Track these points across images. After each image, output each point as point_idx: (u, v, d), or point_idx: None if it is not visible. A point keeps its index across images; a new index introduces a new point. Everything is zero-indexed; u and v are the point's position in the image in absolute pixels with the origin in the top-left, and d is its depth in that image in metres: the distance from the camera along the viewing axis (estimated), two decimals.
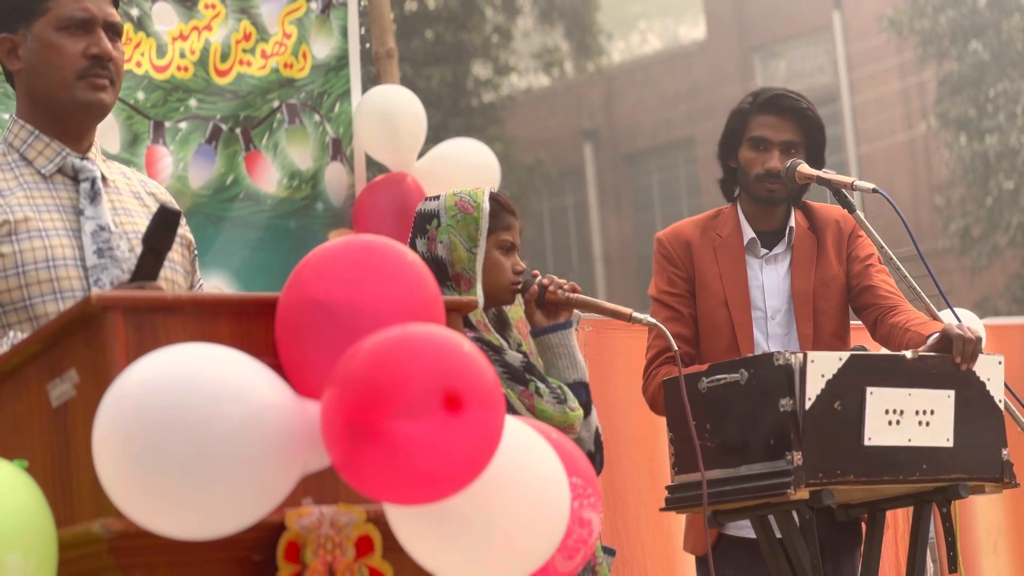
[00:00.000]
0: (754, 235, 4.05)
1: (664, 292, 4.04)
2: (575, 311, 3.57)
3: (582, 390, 3.52)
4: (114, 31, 2.90)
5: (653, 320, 3.52)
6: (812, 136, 4.01)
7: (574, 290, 3.51)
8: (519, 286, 3.49)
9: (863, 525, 3.92)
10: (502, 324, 3.54)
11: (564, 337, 3.51)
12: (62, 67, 2.85)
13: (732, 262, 4.03)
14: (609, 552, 3.59)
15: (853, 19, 22.99)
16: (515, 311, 3.58)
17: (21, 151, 2.88)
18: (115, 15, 2.91)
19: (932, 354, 3.51)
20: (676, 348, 3.43)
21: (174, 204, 3.02)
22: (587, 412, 3.51)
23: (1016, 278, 18.85)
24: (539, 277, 3.51)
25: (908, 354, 3.47)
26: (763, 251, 4.06)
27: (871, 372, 3.38)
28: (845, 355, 3.36)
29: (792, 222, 4.08)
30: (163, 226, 2.53)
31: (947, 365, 3.50)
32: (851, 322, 4.11)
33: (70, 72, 2.85)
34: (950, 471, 3.47)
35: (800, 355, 3.32)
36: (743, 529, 3.87)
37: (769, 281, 4.04)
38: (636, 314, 3.51)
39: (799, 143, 4.00)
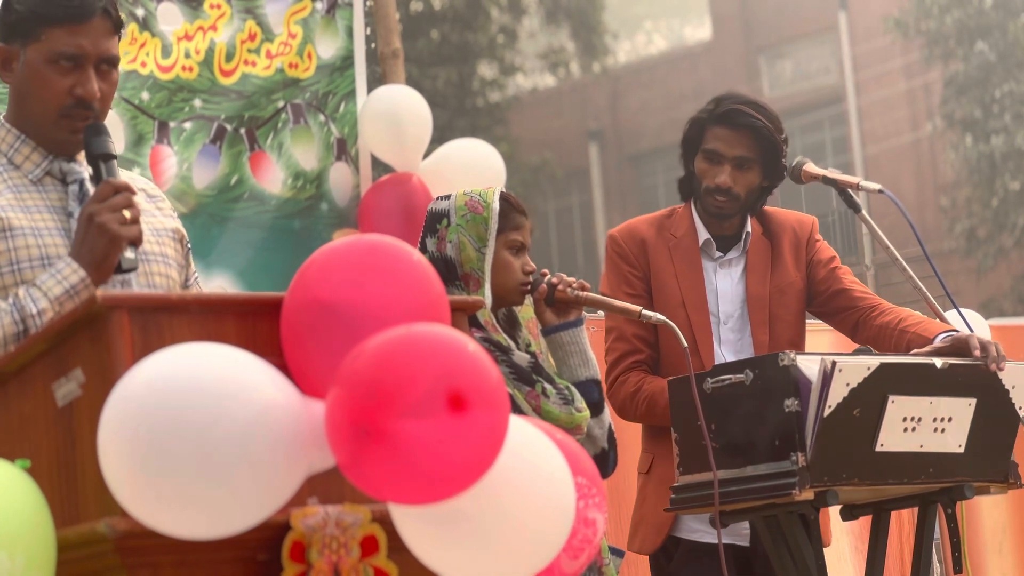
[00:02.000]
0: (709, 236, 4.00)
1: (623, 292, 3.95)
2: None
3: (594, 387, 3.51)
4: (109, 63, 2.85)
5: (662, 317, 3.49)
6: (767, 152, 3.94)
7: (583, 288, 3.50)
8: (529, 286, 3.48)
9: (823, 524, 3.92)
10: (512, 324, 3.53)
11: (575, 335, 3.51)
12: (46, 101, 2.83)
13: (687, 263, 3.97)
14: (617, 553, 3.58)
15: (859, 20, 22.98)
16: (526, 311, 3.58)
17: (8, 156, 2.87)
18: (112, 49, 2.85)
19: (961, 361, 3.48)
20: (686, 344, 3.39)
21: (158, 191, 3.07)
22: (600, 409, 3.51)
23: (1021, 279, 18.84)
24: (548, 276, 3.51)
25: (938, 363, 3.44)
26: (718, 254, 4.00)
27: (897, 381, 3.35)
28: (874, 363, 3.32)
29: (748, 227, 4.03)
30: (95, 134, 2.78)
31: (974, 373, 3.47)
32: (808, 323, 4.09)
33: (52, 108, 2.83)
34: (955, 473, 3.47)
35: (828, 361, 3.28)
36: (695, 533, 3.84)
37: (723, 285, 3.99)
38: (645, 311, 3.51)
39: (752, 159, 3.93)
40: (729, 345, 3.94)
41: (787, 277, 4.00)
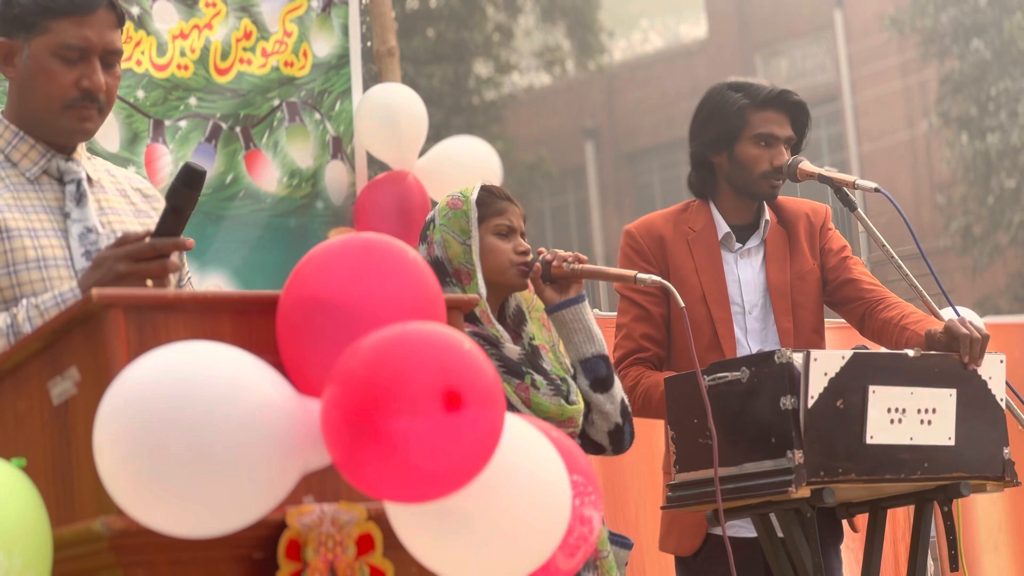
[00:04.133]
0: (729, 229, 4.00)
1: (634, 289, 3.93)
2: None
3: (601, 363, 3.49)
4: (114, 55, 2.85)
5: (657, 278, 3.47)
6: (802, 132, 4.02)
7: (579, 260, 3.48)
8: (525, 268, 3.46)
9: (843, 521, 3.91)
10: (519, 319, 3.52)
11: (578, 312, 3.49)
12: (51, 94, 2.82)
13: (708, 256, 3.97)
14: (624, 544, 3.56)
15: (854, 18, 23.00)
16: (539, 305, 3.56)
17: (6, 153, 2.86)
18: (116, 41, 2.85)
19: (935, 353, 3.51)
20: (683, 304, 3.36)
21: (154, 190, 3.03)
22: (608, 385, 3.49)
23: (1017, 277, 18.86)
24: (543, 254, 3.50)
25: (911, 353, 3.47)
26: (737, 245, 4.01)
27: (874, 371, 3.37)
28: (848, 353, 3.35)
29: (767, 215, 4.04)
30: (186, 184, 2.49)
31: (950, 364, 3.50)
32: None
33: (58, 101, 2.82)
34: (951, 470, 3.47)
35: (802, 353, 3.31)
36: (731, 528, 3.84)
37: (745, 275, 3.99)
38: (640, 275, 3.49)
39: (793, 139, 4.00)
40: (755, 335, 3.95)
41: (806, 264, 4.01)
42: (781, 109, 3.98)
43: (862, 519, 3.83)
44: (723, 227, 4.00)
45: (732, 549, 3.74)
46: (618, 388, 3.51)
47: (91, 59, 2.82)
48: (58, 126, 2.84)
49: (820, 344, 3.97)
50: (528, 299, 3.56)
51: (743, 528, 3.85)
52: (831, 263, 4.03)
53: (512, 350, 3.40)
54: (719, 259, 3.97)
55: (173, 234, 2.54)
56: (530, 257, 3.47)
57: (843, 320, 4.12)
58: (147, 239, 2.55)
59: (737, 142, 3.97)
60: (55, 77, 2.81)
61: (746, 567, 3.69)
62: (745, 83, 4.03)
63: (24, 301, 2.70)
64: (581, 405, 3.44)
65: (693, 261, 3.95)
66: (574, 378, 3.50)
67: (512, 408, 3.32)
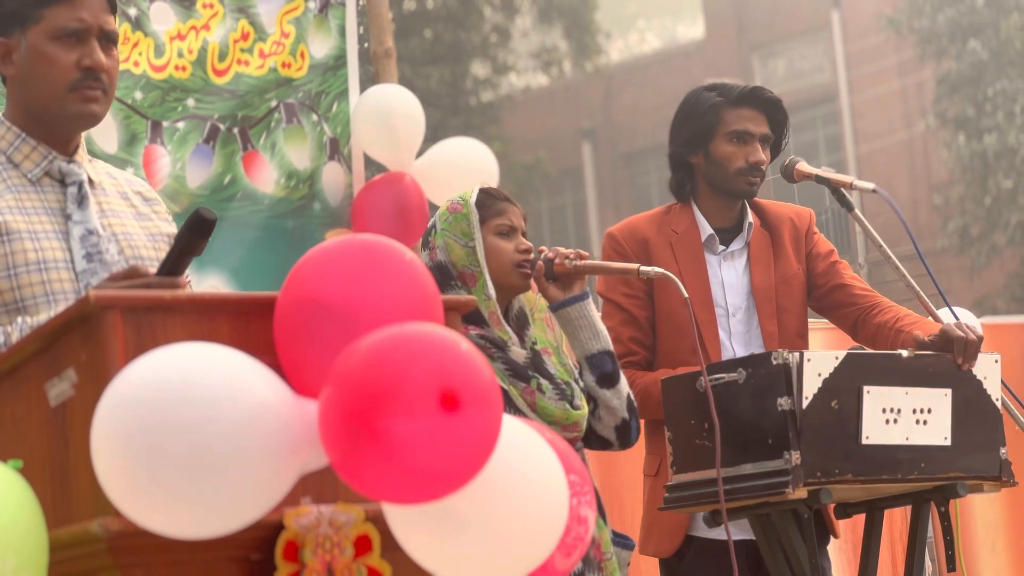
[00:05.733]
0: (712, 231, 4.00)
1: (620, 293, 3.95)
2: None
3: (607, 359, 3.51)
4: (109, 39, 2.86)
5: (660, 270, 3.47)
6: (780, 129, 4.02)
7: (580, 257, 3.49)
8: (527, 266, 3.46)
9: (828, 522, 3.92)
10: (521, 322, 3.52)
11: (582, 309, 3.50)
12: (54, 78, 2.82)
13: (691, 259, 3.97)
14: (626, 546, 3.56)
15: (852, 18, 23.00)
16: (542, 304, 3.57)
17: (8, 154, 2.86)
18: (111, 23, 2.87)
19: (929, 353, 3.51)
20: (688, 296, 3.37)
21: (154, 194, 3.02)
22: (614, 381, 3.50)
23: (1015, 277, 18.86)
24: (545, 252, 3.51)
25: (904, 353, 3.47)
26: (721, 247, 4.01)
27: (868, 371, 3.38)
28: (841, 354, 3.36)
29: (750, 218, 4.04)
30: (195, 231, 2.48)
31: (944, 364, 3.50)
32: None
33: (62, 84, 2.82)
34: (948, 470, 3.47)
35: (796, 354, 3.31)
36: (716, 531, 3.84)
37: (728, 277, 3.99)
38: (644, 268, 3.50)
39: (770, 137, 4.00)
40: (739, 337, 3.94)
41: (791, 268, 4.00)
42: (755, 106, 3.98)
43: (842, 523, 3.84)
44: (706, 229, 4.00)
45: (716, 552, 3.77)
46: (624, 383, 3.54)
47: (89, 39, 2.83)
48: (64, 111, 2.84)
49: (804, 348, 3.97)
50: (531, 300, 3.56)
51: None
52: (819, 268, 4.03)
53: (519, 353, 3.41)
54: (703, 261, 3.97)
55: (175, 274, 2.53)
56: (532, 255, 3.48)
57: (826, 321, 4.12)
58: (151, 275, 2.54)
59: (712, 140, 3.98)
60: (56, 61, 2.82)
61: (729, 570, 3.69)
62: (720, 83, 4.04)
63: (19, 319, 2.71)
64: (585, 410, 3.45)
65: (677, 263, 3.94)
66: (580, 375, 3.51)
67: (517, 412, 3.32)
